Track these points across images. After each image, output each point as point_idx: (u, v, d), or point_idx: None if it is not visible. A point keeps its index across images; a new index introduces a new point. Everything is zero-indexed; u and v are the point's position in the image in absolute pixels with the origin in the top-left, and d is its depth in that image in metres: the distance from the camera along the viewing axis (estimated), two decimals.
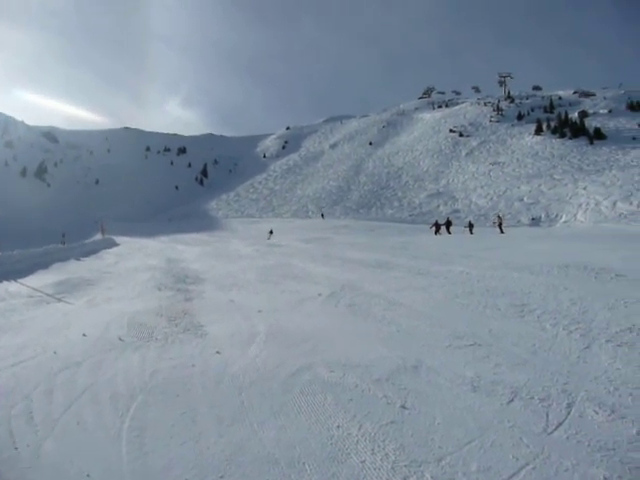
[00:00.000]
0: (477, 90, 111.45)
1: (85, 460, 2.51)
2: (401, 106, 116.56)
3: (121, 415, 3.03)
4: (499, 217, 30.85)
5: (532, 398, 3.07)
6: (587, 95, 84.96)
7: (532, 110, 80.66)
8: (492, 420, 2.81)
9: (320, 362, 3.95)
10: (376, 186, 67.74)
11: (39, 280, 9.51)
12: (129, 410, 3.10)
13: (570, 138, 62.88)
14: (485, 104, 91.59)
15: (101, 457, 2.54)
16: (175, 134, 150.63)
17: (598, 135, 60.58)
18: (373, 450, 2.54)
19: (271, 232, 34.37)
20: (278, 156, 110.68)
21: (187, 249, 21.24)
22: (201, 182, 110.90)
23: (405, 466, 2.38)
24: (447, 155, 71.54)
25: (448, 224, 29.76)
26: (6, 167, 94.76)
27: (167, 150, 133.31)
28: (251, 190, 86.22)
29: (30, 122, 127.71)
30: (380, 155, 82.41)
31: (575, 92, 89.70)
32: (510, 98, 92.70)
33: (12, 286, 8.75)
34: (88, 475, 2.38)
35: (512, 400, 3.07)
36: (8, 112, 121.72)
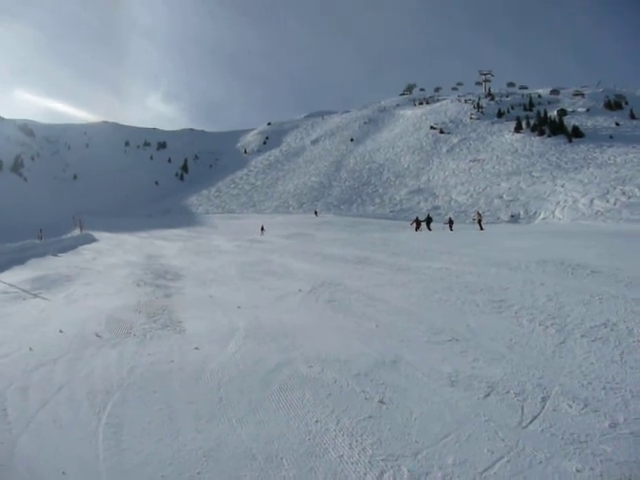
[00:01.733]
0: (455, 89, 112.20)
1: (61, 458, 2.48)
2: (382, 102, 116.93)
3: (98, 412, 3.00)
4: (479, 214, 31.17)
5: (508, 392, 3.12)
6: (575, 94, 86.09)
7: (512, 108, 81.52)
8: (469, 414, 2.84)
9: (299, 357, 3.95)
10: (357, 182, 67.91)
11: (15, 276, 9.35)
12: (106, 407, 3.07)
13: (549, 136, 63.77)
14: (466, 101, 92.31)
15: (77, 454, 2.51)
16: (155, 128, 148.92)
17: (576, 133, 61.59)
18: (351, 445, 2.55)
19: (262, 228, 34.06)
20: (259, 151, 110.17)
21: (167, 245, 21.06)
22: (181, 177, 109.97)
23: (382, 460, 2.40)
24: (428, 152, 72.00)
25: (428, 220, 29.96)
26: None
27: (147, 145, 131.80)
28: (232, 186, 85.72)
29: (5, 115, 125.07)
30: (361, 151, 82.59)
31: (554, 91, 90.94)
32: (490, 96, 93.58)
33: None
34: (64, 473, 2.36)
35: (488, 394, 3.11)
36: None
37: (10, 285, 8.14)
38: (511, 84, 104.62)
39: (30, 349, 4.31)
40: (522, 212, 40.44)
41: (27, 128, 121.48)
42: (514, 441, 2.53)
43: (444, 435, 2.62)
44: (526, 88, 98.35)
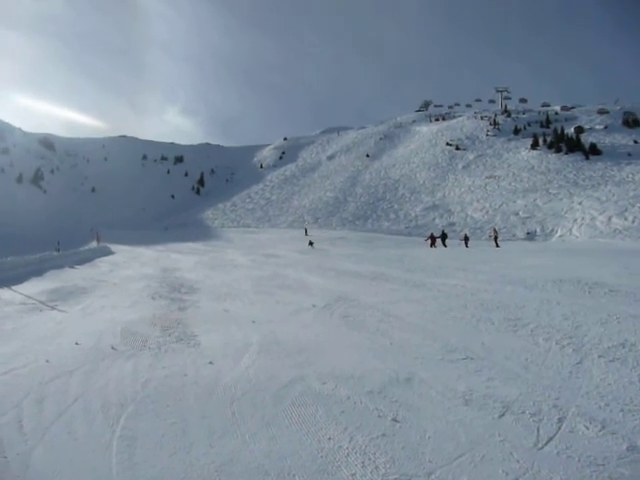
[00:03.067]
0: (469, 106, 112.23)
1: (75, 470, 2.50)
2: (398, 119, 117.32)
3: (112, 425, 3.02)
4: (495, 231, 30.95)
5: (523, 412, 3.08)
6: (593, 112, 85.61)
7: (529, 125, 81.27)
8: (483, 434, 2.81)
9: (312, 374, 3.95)
10: (372, 198, 67.94)
11: (33, 287, 9.48)
12: (120, 420, 3.09)
13: (566, 153, 63.38)
14: (482, 118, 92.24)
15: (91, 467, 2.53)
16: (172, 143, 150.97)
17: (594, 150, 61.17)
18: (363, 463, 2.53)
19: (311, 243, 31.97)
20: (275, 166, 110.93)
21: (182, 258, 21.20)
22: (198, 191, 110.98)
23: (395, 479, 2.38)
24: (443, 168, 71.88)
25: (443, 237, 29.81)
26: (2, 173, 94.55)
27: (164, 159, 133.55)
28: (247, 200, 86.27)
29: (27, 129, 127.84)
30: (377, 167, 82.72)
31: (572, 107, 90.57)
32: (507, 112, 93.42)
33: (5, 293, 8.71)
34: None
35: (503, 414, 3.07)
36: (5, 118, 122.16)
37: (28, 297, 8.26)
38: (523, 100, 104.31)
39: (47, 361, 4.36)
40: (538, 229, 40.09)
41: (47, 141, 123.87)
42: (529, 463, 2.49)
43: (458, 455, 2.59)
44: (548, 106, 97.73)
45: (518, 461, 2.51)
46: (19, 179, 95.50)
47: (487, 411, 3.13)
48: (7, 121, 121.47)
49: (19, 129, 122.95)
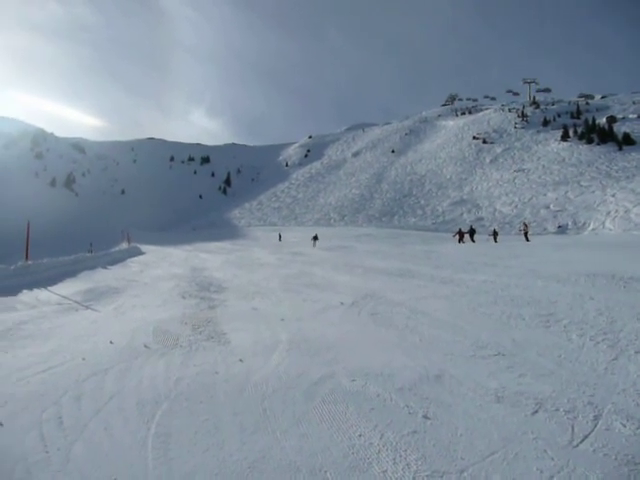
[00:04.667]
0: (493, 99, 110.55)
1: (112, 465, 2.56)
2: (424, 113, 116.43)
3: (147, 421, 3.07)
4: (525, 225, 30.40)
5: (557, 410, 3.02)
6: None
7: (558, 116, 79.61)
8: (516, 431, 2.77)
9: (342, 371, 3.95)
10: (399, 194, 67.58)
11: (68, 288, 9.71)
12: (154, 416, 3.14)
13: (598, 144, 61.88)
14: (509, 110, 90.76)
15: (128, 462, 2.58)
16: (198, 144, 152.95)
17: (627, 140, 59.46)
18: (395, 460, 2.53)
19: (315, 238, 33.03)
20: (300, 164, 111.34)
21: (210, 257, 21.45)
22: (224, 191, 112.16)
23: (427, 476, 2.37)
24: (471, 162, 71.04)
25: (472, 232, 29.45)
26: (36, 178, 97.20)
27: (191, 160, 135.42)
28: (273, 199, 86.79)
29: (59, 134, 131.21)
30: (403, 163, 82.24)
31: (604, 96, 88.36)
32: (535, 104, 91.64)
33: (42, 294, 8.94)
34: (115, 479, 2.43)
35: (537, 411, 3.02)
36: (39, 124, 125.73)
37: (64, 297, 8.47)
38: (546, 89, 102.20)
39: (83, 359, 4.47)
40: (570, 223, 39.26)
41: (79, 146, 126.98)
42: (564, 460, 2.44)
43: (491, 452, 2.56)
44: (587, 96, 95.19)
45: (552, 459, 2.47)
46: (52, 183, 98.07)
47: (520, 408, 3.08)
48: (40, 126, 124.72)
49: (52, 134, 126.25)
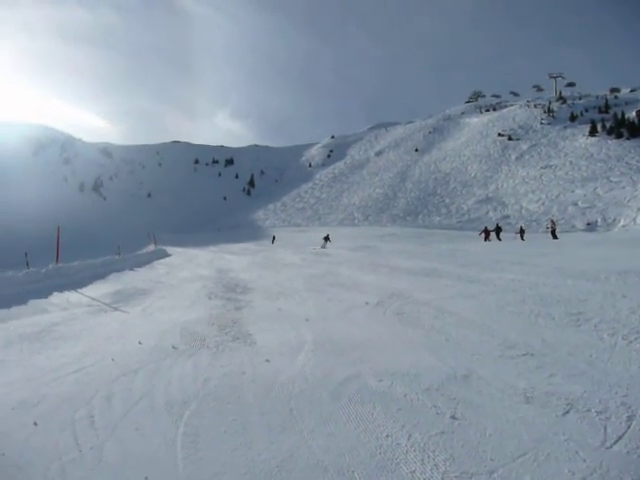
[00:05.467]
0: (516, 94, 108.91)
1: (143, 464, 2.60)
2: (447, 111, 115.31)
3: (176, 421, 3.12)
4: (552, 222, 29.86)
5: (589, 410, 2.96)
6: None
7: (586, 111, 77.98)
8: (546, 432, 2.72)
9: (368, 371, 3.94)
10: (423, 193, 67.12)
11: (97, 290, 9.89)
12: (183, 416, 3.18)
13: (627, 138, 60.41)
14: (535, 106, 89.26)
15: (158, 461, 2.62)
16: (222, 146, 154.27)
17: None
18: (423, 460, 2.51)
19: (327, 239, 31.36)
20: (323, 165, 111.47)
21: (236, 259, 21.60)
22: (248, 192, 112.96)
23: (455, 477, 2.35)
24: (496, 160, 70.12)
25: (498, 230, 29.11)
26: (65, 182, 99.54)
27: (215, 162, 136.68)
28: (297, 199, 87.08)
29: (87, 139, 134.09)
30: (426, 161, 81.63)
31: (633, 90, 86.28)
32: (562, 99, 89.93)
33: (73, 296, 9.13)
34: (146, 478, 2.47)
35: (567, 412, 2.97)
36: (67, 129, 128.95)
37: (93, 299, 8.64)
38: (571, 84, 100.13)
39: (112, 359, 4.55)
40: (599, 219, 38.42)
41: (106, 150, 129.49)
42: (597, 462, 2.39)
43: (521, 453, 2.52)
44: (618, 90, 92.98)
45: (585, 460, 2.42)
46: (81, 187, 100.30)
47: (550, 409, 3.03)
48: (69, 132, 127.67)
49: (80, 140, 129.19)
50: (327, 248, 27.64)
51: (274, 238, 45.93)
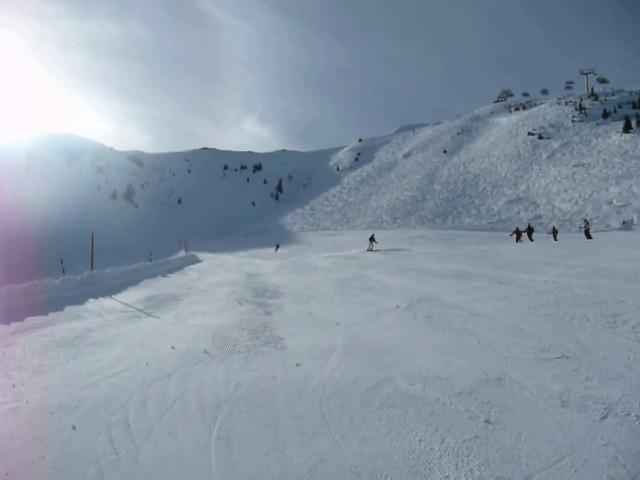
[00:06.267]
0: (545, 92, 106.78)
1: (178, 467, 2.64)
2: (475, 111, 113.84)
3: (209, 425, 3.16)
4: (586, 222, 29.12)
5: (628, 414, 2.89)
6: None
7: (619, 107, 76.00)
8: (584, 437, 2.66)
9: (399, 375, 3.92)
10: (452, 194, 66.41)
11: (130, 296, 10.08)
12: (216, 420, 3.22)
13: None
14: (566, 104, 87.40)
15: (192, 465, 2.66)
16: (250, 152, 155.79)
17: None
18: (457, 465, 2.49)
19: (372, 239, 28.55)
20: (351, 168, 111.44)
21: (265, 263, 21.75)
22: (276, 197, 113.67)
23: None
24: (526, 159, 68.90)
25: (529, 231, 28.56)
26: (98, 190, 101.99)
27: (243, 168, 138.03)
28: (325, 203, 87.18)
29: (118, 148, 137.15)
30: (455, 163, 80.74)
31: None
32: (594, 95, 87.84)
33: (107, 302, 9.33)
34: None
35: (605, 416, 2.90)
36: (98, 139, 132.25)
37: (127, 305, 8.81)
38: (604, 80, 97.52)
39: (147, 364, 4.64)
40: (635, 218, 37.36)
41: (137, 159, 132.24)
42: (638, 468, 2.33)
43: (557, 459, 2.47)
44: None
45: (625, 466, 2.36)
46: (113, 195, 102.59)
47: (587, 413, 2.97)
48: (100, 142, 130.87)
49: (111, 148, 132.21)
50: (374, 250, 26.72)
51: (277, 247, 42.63)
